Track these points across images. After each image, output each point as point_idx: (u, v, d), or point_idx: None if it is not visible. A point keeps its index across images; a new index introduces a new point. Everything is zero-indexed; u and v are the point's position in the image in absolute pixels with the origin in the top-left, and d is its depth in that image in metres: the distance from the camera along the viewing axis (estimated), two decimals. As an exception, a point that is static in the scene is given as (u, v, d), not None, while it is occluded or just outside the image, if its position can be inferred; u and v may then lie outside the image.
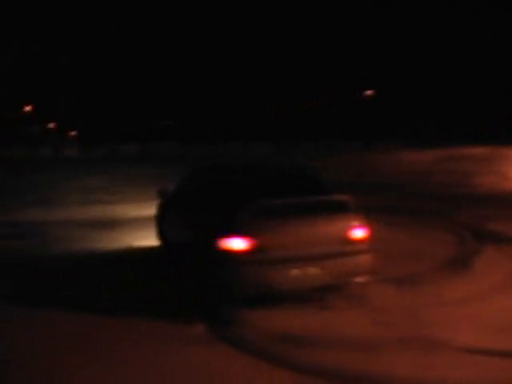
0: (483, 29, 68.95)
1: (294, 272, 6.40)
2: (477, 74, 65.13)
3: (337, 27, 74.92)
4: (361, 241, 6.66)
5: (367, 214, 13.60)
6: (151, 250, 9.94)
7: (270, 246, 6.33)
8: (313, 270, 6.46)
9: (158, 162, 41.39)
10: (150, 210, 11.32)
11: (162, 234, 9.67)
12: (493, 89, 62.90)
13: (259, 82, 72.56)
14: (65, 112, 75.30)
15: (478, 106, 62.52)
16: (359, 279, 6.79)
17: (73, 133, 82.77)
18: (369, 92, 67.44)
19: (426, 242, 10.57)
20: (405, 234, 11.37)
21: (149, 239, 10.51)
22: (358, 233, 6.64)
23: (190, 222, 7.90)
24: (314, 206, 6.79)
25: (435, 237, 11.04)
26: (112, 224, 12.75)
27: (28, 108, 72.77)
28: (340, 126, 65.70)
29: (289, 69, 72.60)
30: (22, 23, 73.33)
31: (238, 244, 6.27)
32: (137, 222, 12.73)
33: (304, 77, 71.71)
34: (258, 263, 6.30)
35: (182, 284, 7.77)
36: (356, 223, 6.70)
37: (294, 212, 6.59)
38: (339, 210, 6.74)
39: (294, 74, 72.26)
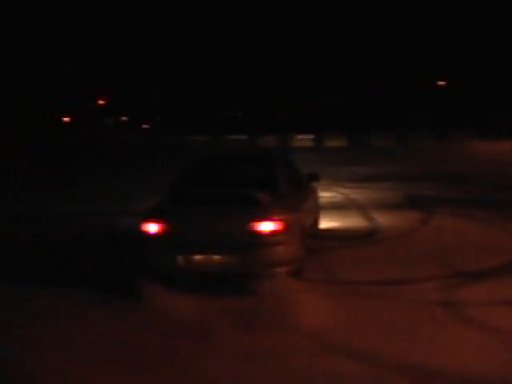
0: None
1: (198, 258, 6.91)
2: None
3: (411, 15, 73.32)
4: (272, 233, 6.89)
5: (442, 206, 13.35)
6: None
7: (178, 232, 6.94)
8: (217, 258, 6.88)
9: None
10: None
11: None
12: None
13: (328, 74, 72.10)
14: (137, 105, 77.17)
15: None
16: (273, 270, 7.00)
17: (145, 125, 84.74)
18: (441, 82, 65.89)
19: (502, 236, 10.22)
20: (479, 226, 11.01)
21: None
22: (269, 226, 6.88)
23: None
24: (226, 198, 7.28)
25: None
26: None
27: (101, 101, 74.89)
28: (412, 117, 64.46)
29: (360, 59, 71.76)
30: (99, 17, 75.53)
31: (150, 228, 7.02)
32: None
33: (375, 67, 70.76)
34: (166, 247, 6.96)
35: None
36: (266, 216, 6.93)
37: (206, 203, 7.20)
38: (249, 203, 7.09)
39: (366, 65, 71.39)
